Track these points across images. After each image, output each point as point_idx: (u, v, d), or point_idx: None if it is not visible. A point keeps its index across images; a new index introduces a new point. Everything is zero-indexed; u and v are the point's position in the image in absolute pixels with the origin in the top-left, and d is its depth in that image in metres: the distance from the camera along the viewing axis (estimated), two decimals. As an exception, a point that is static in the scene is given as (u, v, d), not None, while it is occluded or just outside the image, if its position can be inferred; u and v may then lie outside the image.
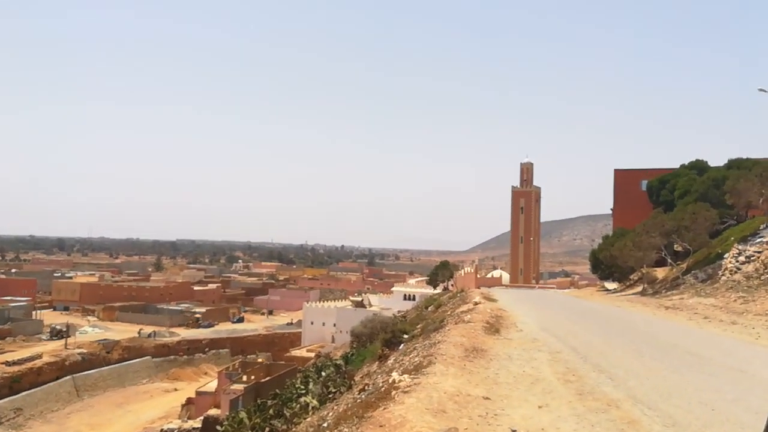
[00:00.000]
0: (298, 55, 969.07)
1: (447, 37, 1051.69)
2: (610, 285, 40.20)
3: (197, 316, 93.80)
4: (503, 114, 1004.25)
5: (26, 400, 55.10)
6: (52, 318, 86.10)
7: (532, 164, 75.23)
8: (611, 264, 37.80)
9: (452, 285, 65.08)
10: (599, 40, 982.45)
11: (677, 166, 46.85)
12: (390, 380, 8.86)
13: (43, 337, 73.54)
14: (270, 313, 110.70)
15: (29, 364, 59.37)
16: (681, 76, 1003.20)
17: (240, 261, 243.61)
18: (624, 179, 54.40)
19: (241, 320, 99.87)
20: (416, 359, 10.83)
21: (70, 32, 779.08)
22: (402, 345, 17.18)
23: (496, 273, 79.71)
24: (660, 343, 13.38)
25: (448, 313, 21.21)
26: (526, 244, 73.35)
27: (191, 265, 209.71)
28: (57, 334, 72.91)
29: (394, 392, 7.84)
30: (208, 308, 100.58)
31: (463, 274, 66.08)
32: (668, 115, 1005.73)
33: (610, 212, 56.80)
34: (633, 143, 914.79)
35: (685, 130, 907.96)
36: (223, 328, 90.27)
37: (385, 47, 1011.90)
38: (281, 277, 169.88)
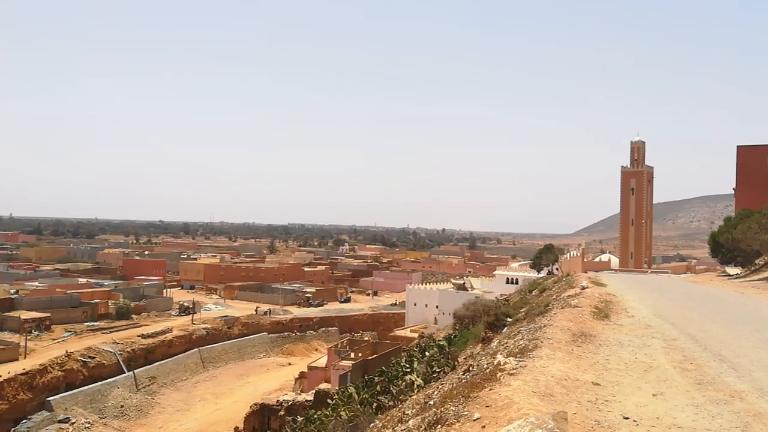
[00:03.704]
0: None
1: (546, 9, 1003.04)
2: (732, 270, 37.19)
3: (308, 295, 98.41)
4: (611, 90, 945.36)
5: (159, 370, 60.89)
6: (179, 296, 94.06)
7: (643, 143, 70.48)
8: (733, 248, 34.94)
9: (557, 269, 63.18)
10: (716, 9, 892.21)
11: (811, 140, 42.20)
12: (495, 362, 8.97)
13: (173, 313, 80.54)
14: (375, 294, 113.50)
15: (161, 337, 65.36)
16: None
17: (346, 244, 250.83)
18: (749, 156, 49.72)
19: (348, 300, 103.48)
20: (521, 342, 10.83)
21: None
22: (505, 328, 17.12)
23: (605, 257, 76.00)
24: (792, 334, 12.32)
25: (554, 297, 20.78)
26: (637, 226, 69.00)
27: (301, 248, 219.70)
28: (185, 310, 79.65)
29: (499, 374, 7.95)
30: (318, 288, 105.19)
31: (568, 258, 63.70)
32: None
33: (732, 192, 52.22)
34: (757, 117, 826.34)
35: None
36: (332, 308, 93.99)
37: (493, 25, 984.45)
38: (385, 260, 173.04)
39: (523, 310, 19.94)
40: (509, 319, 18.41)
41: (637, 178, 69.81)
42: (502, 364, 8.61)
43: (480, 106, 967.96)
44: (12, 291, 75.44)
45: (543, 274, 63.16)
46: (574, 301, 16.57)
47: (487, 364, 9.56)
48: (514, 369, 8.12)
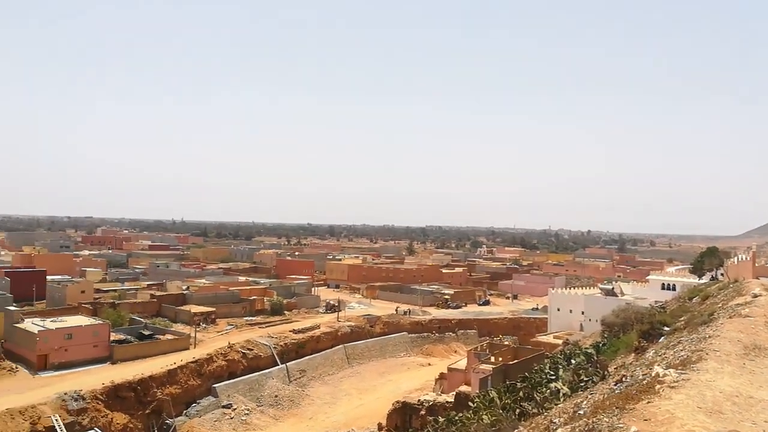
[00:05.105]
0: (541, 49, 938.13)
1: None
2: None
3: (446, 297, 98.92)
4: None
5: (309, 364, 64.84)
6: (326, 294, 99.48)
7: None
8: None
9: (722, 274, 57.23)
10: None
11: None
12: (653, 374, 8.43)
13: (320, 310, 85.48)
14: (515, 297, 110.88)
15: (310, 333, 69.53)
16: None
17: (484, 246, 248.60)
18: None
19: (486, 303, 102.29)
20: (682, 353, 10.04)
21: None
22: (662, 338, 15.97)
23: (783, 261, 67.16)
24: None
25: (719, 305, 18.91)
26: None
27: (439, 250, 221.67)
28: (331, 308, 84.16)
29: (658, 386, 7.49)
30: (456, 290, 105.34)
31: (736, 263, 57.29)
32: None
33: None
34: None
35: None
36: (470, 310, 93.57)
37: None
38: (524, 263, 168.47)
39: (682, 318, 18.43)
40: (666, 328, 17.13)
41: (823, 171, 60.83)
42: (660, 375, 8.06)
43: (634, 105, 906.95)
44: (184, 287, 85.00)
45: (705, 279, 57.59)
46: (744, 310, 14.95)
47: (643, 375, 9.01)
48: (675, 382, 7.57)
